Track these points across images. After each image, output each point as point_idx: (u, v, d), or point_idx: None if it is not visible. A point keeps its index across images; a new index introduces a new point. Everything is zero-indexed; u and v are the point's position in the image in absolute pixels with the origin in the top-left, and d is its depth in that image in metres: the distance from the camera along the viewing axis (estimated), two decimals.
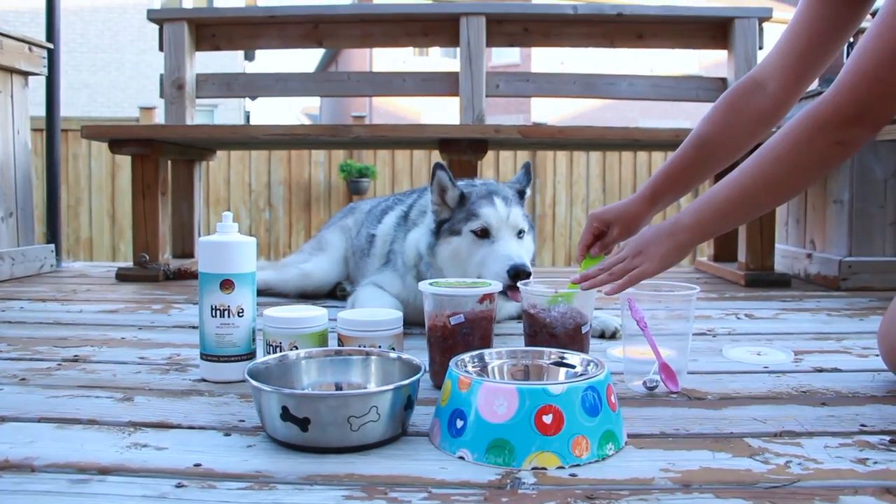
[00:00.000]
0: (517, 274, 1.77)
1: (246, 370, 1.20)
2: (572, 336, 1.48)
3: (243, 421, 1.24)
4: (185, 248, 3.50)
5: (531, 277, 1.76)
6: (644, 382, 1.43)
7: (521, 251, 1.85)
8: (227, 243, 1.48)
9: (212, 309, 1.47)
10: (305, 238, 7.44)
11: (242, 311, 1.49)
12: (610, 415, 1.12)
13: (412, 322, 1.94)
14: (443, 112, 17.32)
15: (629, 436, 1.17)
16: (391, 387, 1.12)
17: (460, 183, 2.05)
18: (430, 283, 1.50)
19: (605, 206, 1.57)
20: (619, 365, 1.56)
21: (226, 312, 1.47)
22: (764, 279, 2.97)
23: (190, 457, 1.08)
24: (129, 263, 3.25)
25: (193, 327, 2.06)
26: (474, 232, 1.89)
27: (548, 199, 7.96)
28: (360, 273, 2.41)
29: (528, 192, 2.04)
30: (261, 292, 2.41)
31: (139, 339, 1.91)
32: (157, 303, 2.50)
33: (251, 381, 1.14)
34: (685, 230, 1.36)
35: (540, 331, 1.49)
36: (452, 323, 1.43)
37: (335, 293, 2.60)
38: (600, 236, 1.57)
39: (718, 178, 3.38)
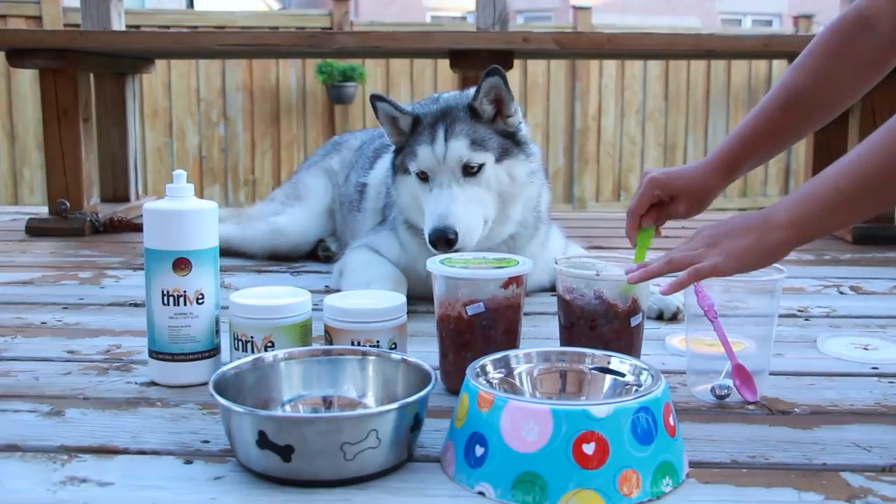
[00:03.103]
0: (436, 241, 1.86)
1: (211, 382, 1.26)
2: (618, 330, 1.53)
3: (207, 442, 1.30)
4: (117, 189, 3.54)
5: (462, 241, 1.86)
6: (712, 389, 1.48)
7: (457, 203, 1.90)
8: (181, 212, 1.52)
9: (163, 295, 1.53)
10: (273, 161, 7.49)
11: (202, 298, 1.54)
12: (667, 441, 1.17)
13: (417, 296, 2.01)
14: None
15: (691, 464, 1.22)
16: (395, 406, 1.18)
17: (420, 102, 2.14)
18: (443, 261, 1.55)
19: (667, 170, 1.60)
20: (680, 361, 1.61)
21: (181, 299, 1.52)
22: (880, 234, 2.99)
23: (143, 495, 1.14)
24: (44, 210, 3.30)
25: (136, 305, 2.12)
26: (418, 175, 1.99)
27: (591, 108, 7.96)
28: (350, 231, 2.46)
29: (486, 107, 1.98)
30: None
31: (65, 323, 1.97)
32: (86, 268, 2.56)
33: (218, 399, 1.20)
34: (777, 228, 1.35)
35: (577, 322, 1.55)
36: (469, 313, 1.48)
37: (316, 253, 2.66)
38: (657, 204, 1.61)
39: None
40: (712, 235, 1.42)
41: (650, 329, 1.86)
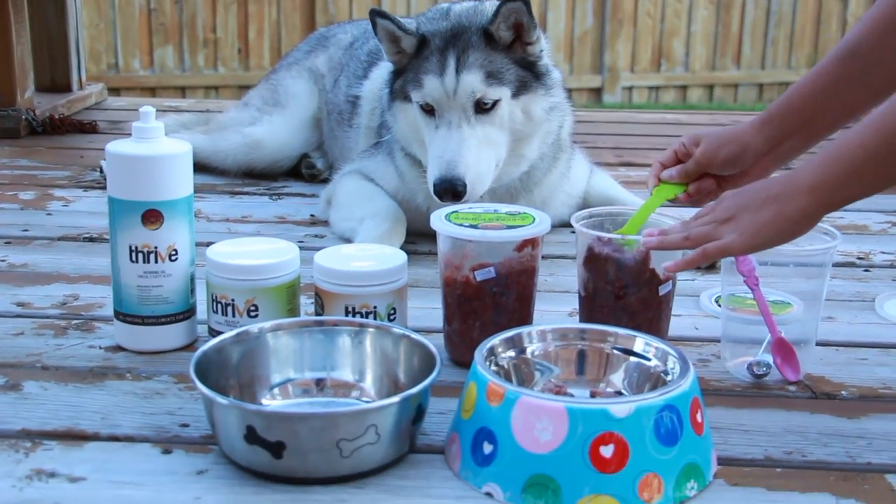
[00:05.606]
0: (442, 193, 1.96)
1: (192, 362, 1.37)
2: (646, 300, 1.65)
3: (187, 426, 1.43)
4: (55, 75, 3.57)
5: (471, 192, 1.96)
6: (749, 366, 1.60)
7: (467, 146, 1.99)
8: (151, 158, 1.62)
9: (131, 251, 1.63)
10: (239, 16, 7.39)
11: (175, 254, 1.65)
12: (694, 441, 1.30)
13: (417, 232, 2.15)
14: None
15: (720, 461, 1.35)
16: (396, 399, 1.30)
17: (427, 14, 2.21)
18: (448, 216, 1.65)
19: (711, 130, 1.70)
20: (716, 324, 1.72)
21: (152, 256, 1.63)
22: None
23: (120, 494, 1.26)
24: None
25: (91, 240, 2.22)
26: (421, 107, 2.07)
27: None
28: (339, 147, 2.57)
29: (503, 33, 2.05)
30: None
31: (10, 264, 2.08)
32: (26, 186, 2.64)
33: (201, 388, 1.32)
34: (799, 193, 1.41)
35: (602, 288, 1.66)
36: (478, 279, 1.60)
37: (299, 170, 2.78)
38: (686, 158, 1.72)
39: None
40: (732, 206, 1.49)
41: (683, 282, 1.93)
